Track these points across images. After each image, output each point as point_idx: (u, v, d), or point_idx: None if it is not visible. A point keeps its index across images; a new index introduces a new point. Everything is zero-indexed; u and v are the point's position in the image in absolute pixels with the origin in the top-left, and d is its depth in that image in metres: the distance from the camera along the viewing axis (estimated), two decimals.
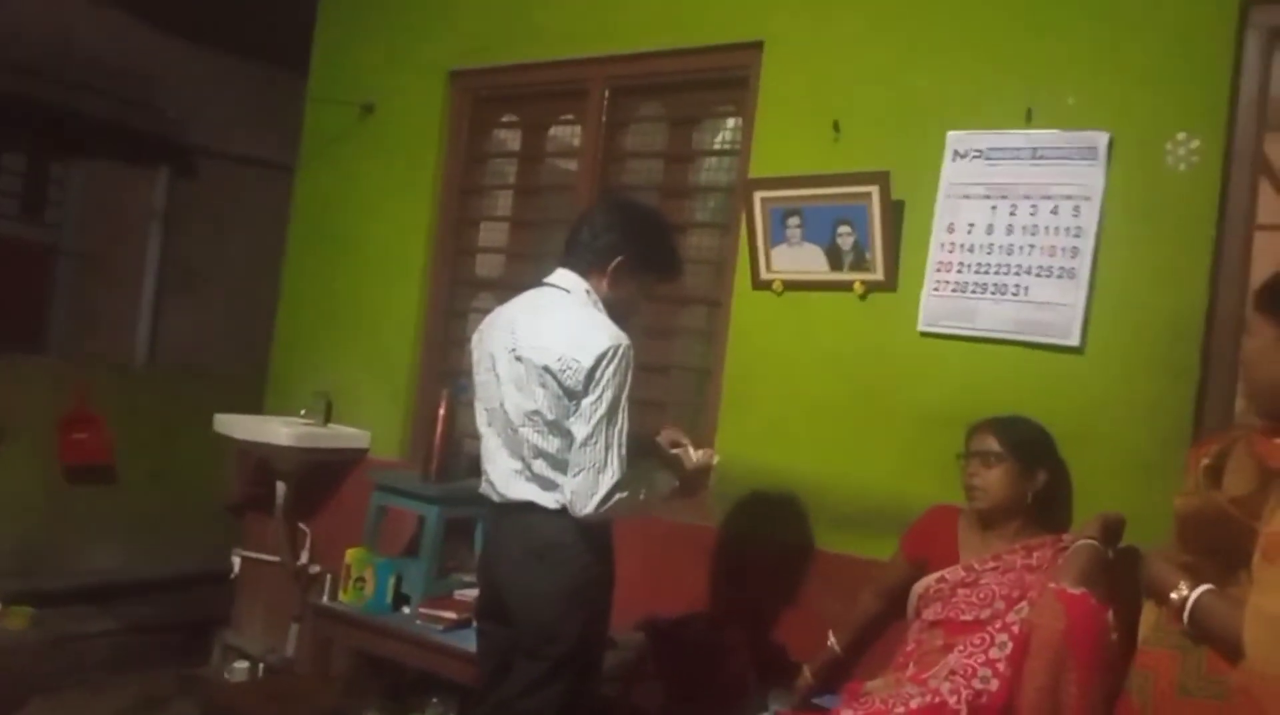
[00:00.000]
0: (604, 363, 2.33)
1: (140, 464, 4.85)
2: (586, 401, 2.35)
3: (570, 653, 2.41)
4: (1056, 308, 2.75)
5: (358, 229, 4.35)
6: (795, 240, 3.16)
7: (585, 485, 2.34)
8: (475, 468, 2.69)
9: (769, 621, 3.10)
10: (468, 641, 2.90)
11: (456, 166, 4.14)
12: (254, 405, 4.53)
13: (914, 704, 2.27)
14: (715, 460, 2.81)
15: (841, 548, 3.03)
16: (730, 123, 3.61)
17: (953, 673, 2.30)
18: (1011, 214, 2.84)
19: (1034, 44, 2.86)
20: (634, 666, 2.97)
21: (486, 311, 2.76)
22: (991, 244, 2.87)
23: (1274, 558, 1.59)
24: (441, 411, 3.62)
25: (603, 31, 3.69)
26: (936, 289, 2.94)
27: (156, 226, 5.03)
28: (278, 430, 4.03)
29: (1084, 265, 2.72)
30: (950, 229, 2.93)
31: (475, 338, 2.67)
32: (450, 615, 3.29)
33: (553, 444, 2.41)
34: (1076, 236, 2.74)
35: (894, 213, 2.98)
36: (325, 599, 3.68)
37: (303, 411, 4.24)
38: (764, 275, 3.24)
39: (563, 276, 2.54)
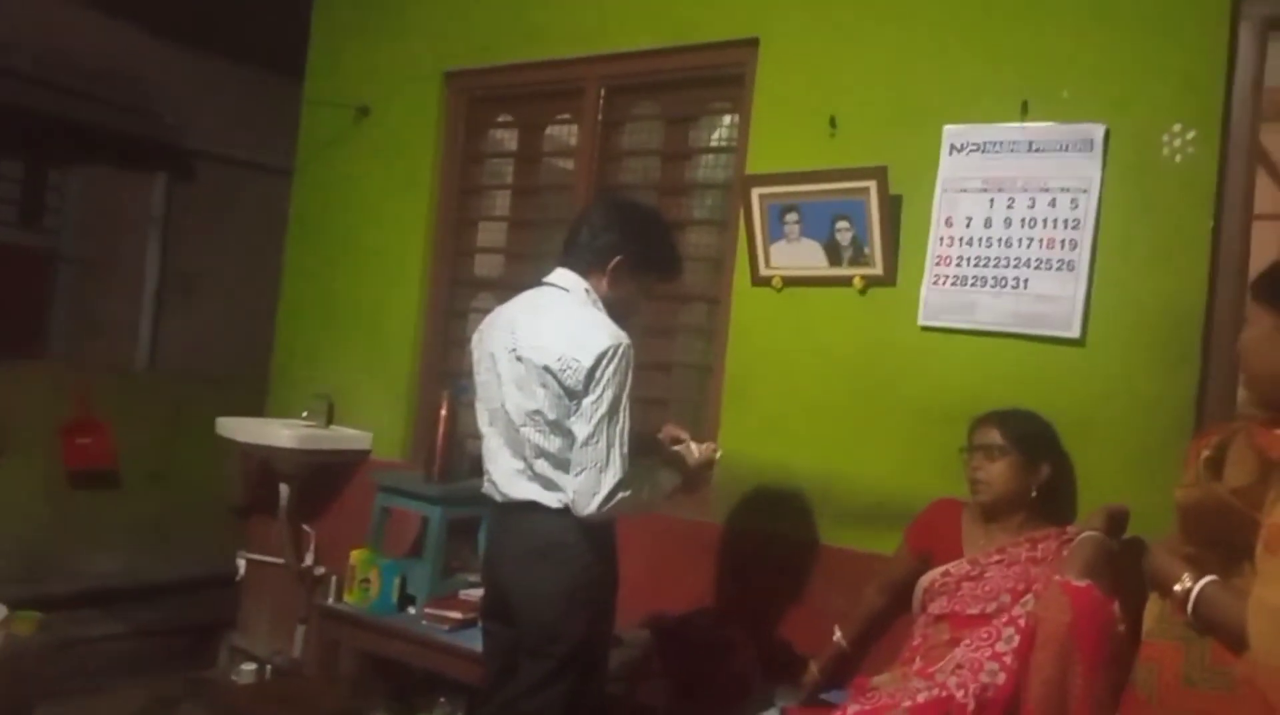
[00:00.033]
0: (604, 362, 2.33)
1: (143, 468, 4.85)
2: (587, 401, 2.35)
3: (574, 652, 2.42)
4: (1056, 300, 2.75)
5: (356, 231, 4.36)
6: (793, 236, 3.16)
7: (587, 484, 2.35)
8: (478, 468, 2.70)
9: (774, 617, 3.11)
10: (473, 641, 2.91)
11: (453, 167, 4.15)
12: (255, 408, 4.54)
13: (921, 698, 2.28)
14: (718, 455, 2.82)
15: (845, 542, 3.04)
16: (727, 120, 3.61)
17: (959, 666, 2.31)
18: (1009, 207, 2.85)
19: (1029, 37, 2.87)
20: (639, 664, 2.98)
21: (486, 311, 2.76)
22: (990, 237, 2.87)
23: (1276, 549, 1.60)
24: (443, 412, 3.63)
25: (598, 30, 3.69)
26: (936, 283, 2.94)
27: (155, 231, 5.03)
28: (280, 432, 4.04)
29: (1083, 257, 2.72)
30: (949, 223, 2.93)
31: (475, 338, 2.67)
32: (455, 615, 3.30)
33: (554, 443, 2.41)
34: (1075, 229, 2.75)
35: (892, 207, 2.98)
36: (331, 600, 3.68)
37: (304, 413, 4.25)
38: (763, 272, 3.24)
39: (562, 276, 2.54)
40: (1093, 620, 2.13)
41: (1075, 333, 2.72)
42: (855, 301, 3.09)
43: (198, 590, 4.78)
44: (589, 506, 2.35)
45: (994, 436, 2.61)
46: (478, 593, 3.16)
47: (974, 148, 2.91)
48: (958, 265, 2.91)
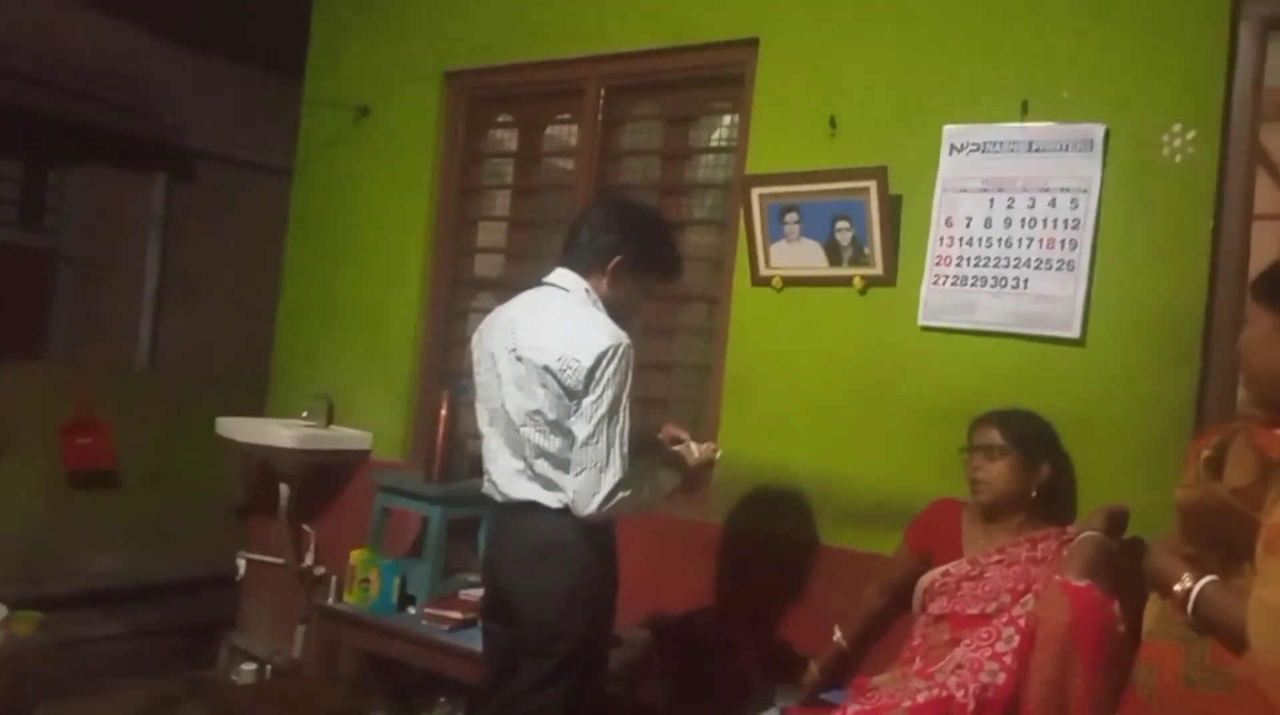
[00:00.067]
0: (604, 362, 2.33)
1: (143, 468, 4.85)
2: (587, 401, 2.35)
3: (574, 652, 2.42)
4: (1056, 300, 2.75)
5: (356, 231, 4.36)
6: (793, 236, 3.16)
7: (587, 484, 2.35)
8: (477, 468, 2.70)
9: (774, 617, 3.11)
10: (474, 641, 2.91)
11: (453, 167, 4.15)
12: (256, 408, 4.54)
13: (921, 698, 2.28)
14: (718, 455, 2.82)
15: (845, 542, 3.04)
16: (726, 120, 3.61)
17: (959, 666, 2.31)
18: (1009, 207, 2.85)
19: (1029, 37, 2.87)
20: (640, 664, 2.98)
21: (486, 311, 2.76)
22: (990, 237, 2.87)
23: (1276, 549, 1.59)
24: (443, 412, 3.63)
25: (598, 30, 3.69)
26: (936, 283, 2.94)
27: (155, 231, 5.03)
28: (280, 432, 4.04)
29: (1083, 257, 2.72)
30: (948, 223, 2.93)
31: (475, 338, 2.67)
32: (455, 615, 3.30)
33: (554, 443, 2.41)
34: (1075, 229, 2.75)
35: (892, 207, 2.98)
36: (331, 600, 3.69)
37: (304, 413, 4.25)
38: (763, 272, 3.24)
39: (562, 276, 2.54)
40: (1093, 620, 2.13)
41: (1075, 333, 2.72)
42: (855, 301, 3.09)
43: (198, 590, 4.78)
44: (589, 506, 2.35)
45: (994, 436, 2.61)
46: (478, 593, 3.16)
47: (974, 148, 2.91)
48: (958, 265, 2.91)
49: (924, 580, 2.68)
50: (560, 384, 2.37)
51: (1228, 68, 2.61)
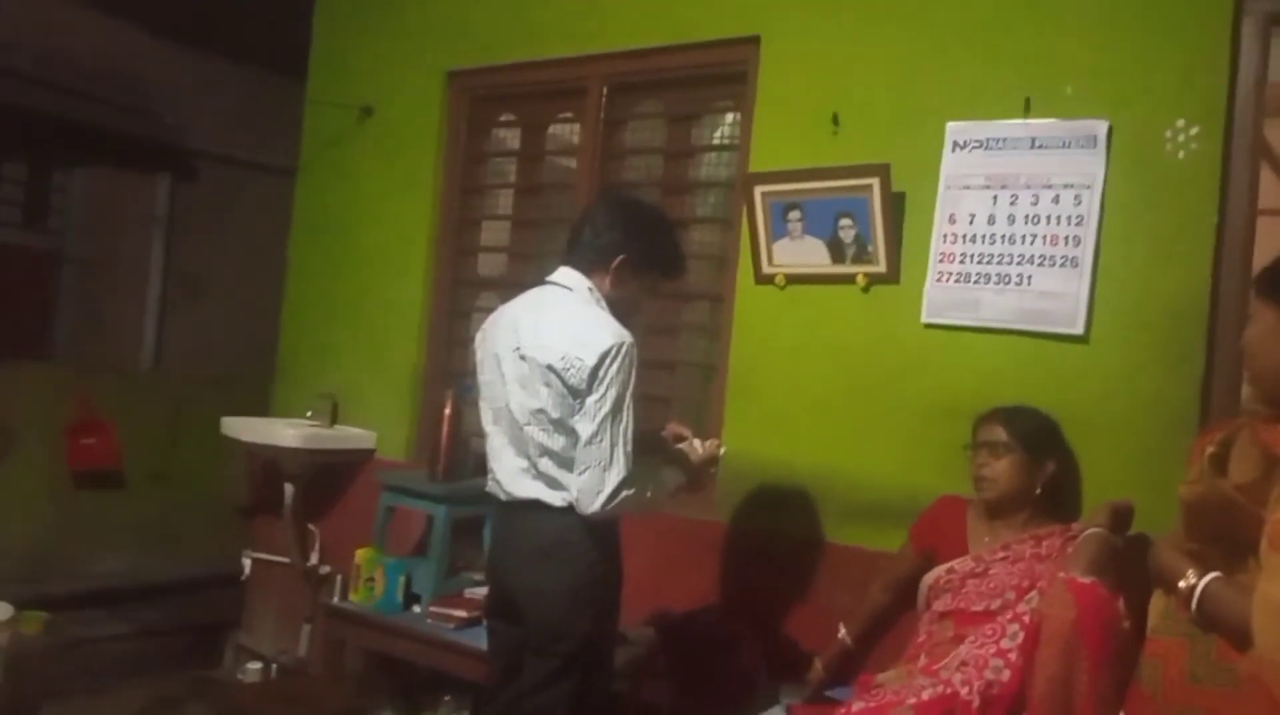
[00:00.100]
0: (607, 361, 2.34)
1: (147, 468, 4.86)
2: (591, 399, 2.35)
3: (579, 650, 2.42)
4: (1060, 297, 2.75)
5: (359, 230, 4.36)
6: (796, 234, 3.16)
7: (591, 483, 2.35)
8: (482, 466, 2.70)
9: (779, 615, 3.11)
10: (479, 640, 2.91)
11: (456, 166, 4.15)
12: (259, 408, 4.54)
13: (926, 695, 2.28)
14: (722, 450, 2.81)
15: (849, 540, 3.04)
16: (729, 118, 3.61)
17: (964, 663, 2.31)
18: (1012, 204, 2.85)
19: (1031, 34, 2.86)
20: (644, 662, 2.98)
21: (490, 311, 2.77)
22: (993, 234, 2.87)
23: None
24: (447, 411, 3.63)
25: (600, 29, 3.69)
26: (939, 280, 2.94)
27: (159, 232, 5.04)
28: (284, 432, 4.04)
29: (1086, 254, 2.72)
30: (952, 220, 2.93)
31: (479, 337, 2.68)
32: (460, 614, 3.30)
33: (558, 442, 2.42)
34: (1078, 225, 2.74)
35: (895, 205, 2.98)
36: (336, 599, 3.69)
37: (309, 413, 4.25)
38: (766, 269, 3.24)
39: (565, 275, 2.54)
40: (1097, 617, 2.12)
41: (1079, 329, 2.72)
42: (858, 299, 3.09)
43: (202, 590, 4.79)
44: (593, 505, 2.35)
45: (999, 433, 2.61)
46: (482, 591, 3.16)
47: (977, 145, 2.91)
48: (961, 262, 2.91)
49: (928, 577, 2.68)
50: (564, 383, 2.37)
51: (1230, 63, 2.60)
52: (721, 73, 3.50)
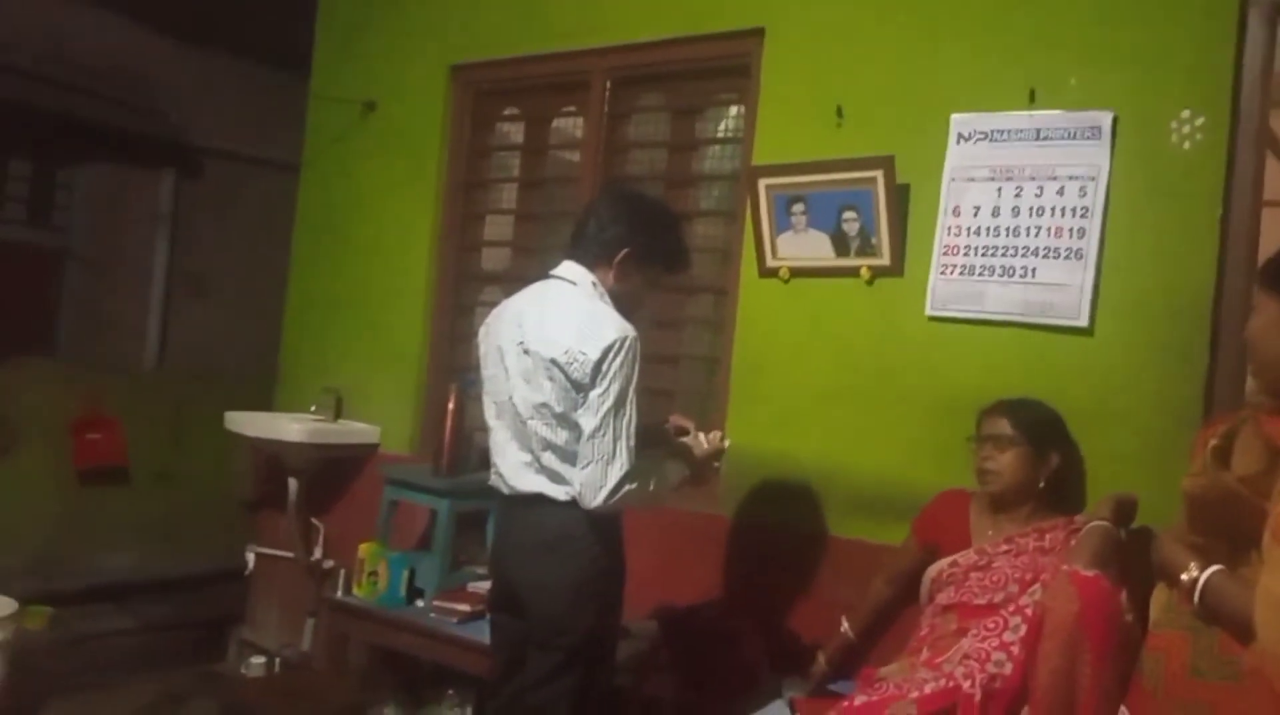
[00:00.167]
0: (611, 355, 2.33)
1: (152, 465, 4.87)
2: (594, 394, 2.35)
3: (582, 644, 2.42)
4: (1064, 289, 2.74)
5: (363, 225, 4.36)
6: (800, 227, 3.15)
7: (594, 477, 2.34)
8: (486, 461, 2.69)
9: (782, 608, 3.10)
10: (482, 634, 2.91)
11: (460, 161, 4.14)
12: (264, 404, 4.55)
13: (929, 688, 2.28)
14: (726, 444, 2.81)
15: (853, 533, 3.04)
16: (733, 110, 3.60)
17: (967, 657, 2.31)
18: (1017, 196, 2.84)
19: (1035, 25, 2.85)
20: (647, 656, 2.98)
21: (493, 305, 2.76)
22: (998, 226, 2.86)
23: None
24: (450, 405, 3.63)
25: (603, 22, 3.69)
26: (944, 273, 2.93)
27: (163, 228, 5.04)
28: (289, 427, 4.05)
29: (1091, 246, 2.71)
30: (956, 212, 2.92)
31: (482, 331, 2.67)
32: (464, 608, 3.30)
33: (561, 436, 2.42)
34: (1083, 217, 2.73)
35: (899, 197, 2.97)
36: (340, 594, 3.69)
37: (313, 408, 4.26)
38: (770, 263, 3.24)
39: (569, 269, 2.54)
40: (1100, 610, 2.12)
41: (1084, 322, 2.71)
42: (863, 292, 3.08)
43: (207, 585, 4.80)
44: (595, 499, 2.35)
45: (1003, 426, 2.60)
46: (486, 585, 3.16)
47: (981, 136, 2.90)
48: (965, 255, 2.90)
49: (931, 570, 2.68)
50: (567, 377, 2.37)
51: (1236, 53, 2.59)
52: (725, 65, 3.49)
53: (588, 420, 2.36)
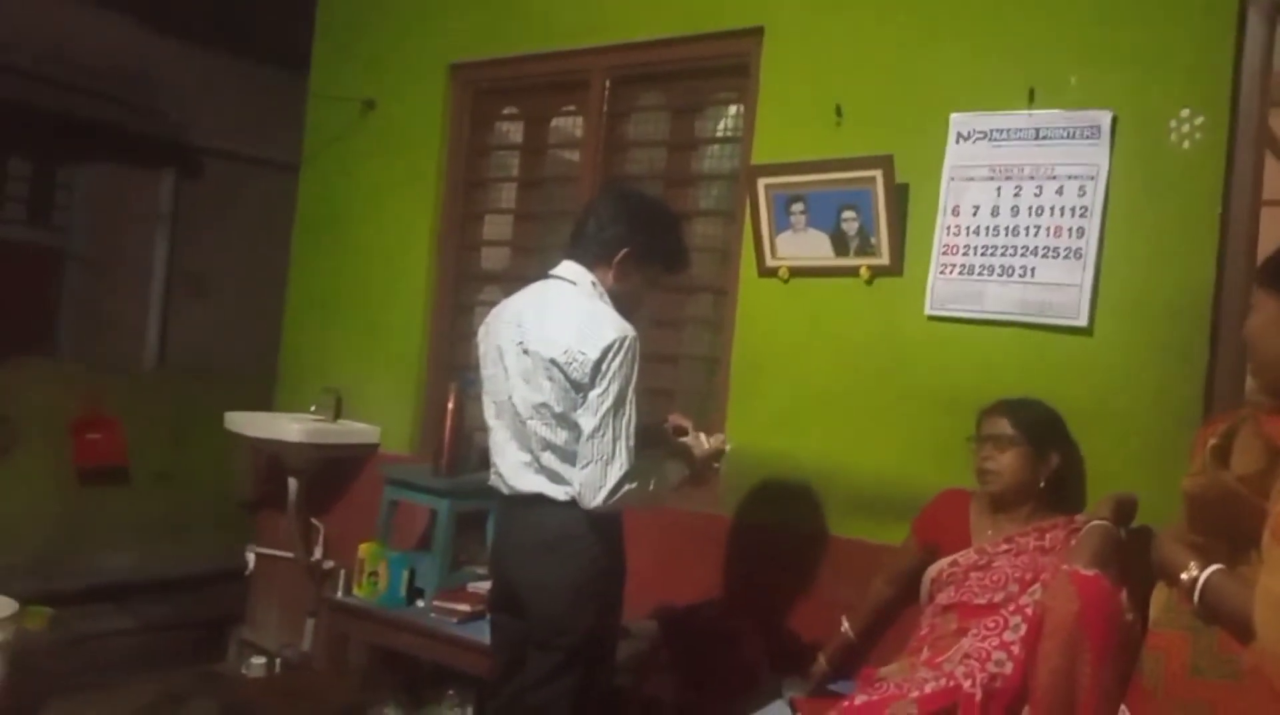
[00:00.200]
0: (610, 355, 2.33)
1: (152, 465, 4.87)
2: (593, 394, 2.35)
3: (582, 644, 2.42)
4: (1064, 288, 2.74)
5: (362, 225, 4.36)
6: (800, 226, 3.15)
7: (594, 477, 2.34)
8: (486, 461, 2.69)
9: (782, 608, 3.10)
10: (482, 634, 2.91)
11: (459, 160, 4.14)
12: (264, 404, 4.55)
13: (929, 688, 2.28)
14: (727, 446, 2.81)
15: (853, 533, 3.04)
16: (732, 110, 3.60)
17: (967, 656, 2.31)
18: (1016, 195, 2.84)
19: (1034, 24, 2.85)
20: (647, 656, 2.98)
21: (493, 304, 2.75)
22: (997, 226, 2.86)
23: None
24: (450, 405, 3.63)
25: (602, 21, 3.69)
26: (943, 272, 2.93)
27: (163, 228, 5.03)
28: (288, 427, 4.05)
29: (1090, 245, 2.71)
30: (955, 211, 2.92)
31: (482, 331, 2.67)
32: (464, 608, 3.30)
33: (561, 436, 2.41)
34: (1082, 216, 2.73)
35: (898, 196, 2.97)
36: (340, 594, 3.69)
37: (312, 408, 4.26)
38: (769, 262, 3.24)
39: (568, 268, 2.53)
40: (1100, 609, 2.12)
41: (1083, 321, 2.71)
42: (862, 292, 3.08)
43: (207, 585, 4.79)
44: (595, 499, 2.35)
45: (1003, 426, 2.60)
46: (486, 585, 3.16)
47: (980, 136, 2.90)
48: (965, 254, 2.90)
49: (932, 570, 2.68)
50: (566, 377, 2.37)
51: (1235, 53, 2.59)
52: (724, 65, 3.49)
53: (587, 420, 2.35)
